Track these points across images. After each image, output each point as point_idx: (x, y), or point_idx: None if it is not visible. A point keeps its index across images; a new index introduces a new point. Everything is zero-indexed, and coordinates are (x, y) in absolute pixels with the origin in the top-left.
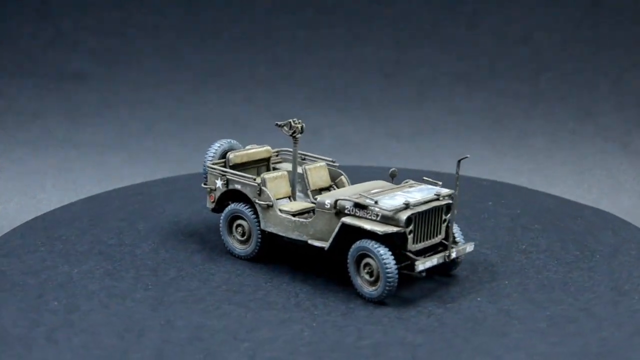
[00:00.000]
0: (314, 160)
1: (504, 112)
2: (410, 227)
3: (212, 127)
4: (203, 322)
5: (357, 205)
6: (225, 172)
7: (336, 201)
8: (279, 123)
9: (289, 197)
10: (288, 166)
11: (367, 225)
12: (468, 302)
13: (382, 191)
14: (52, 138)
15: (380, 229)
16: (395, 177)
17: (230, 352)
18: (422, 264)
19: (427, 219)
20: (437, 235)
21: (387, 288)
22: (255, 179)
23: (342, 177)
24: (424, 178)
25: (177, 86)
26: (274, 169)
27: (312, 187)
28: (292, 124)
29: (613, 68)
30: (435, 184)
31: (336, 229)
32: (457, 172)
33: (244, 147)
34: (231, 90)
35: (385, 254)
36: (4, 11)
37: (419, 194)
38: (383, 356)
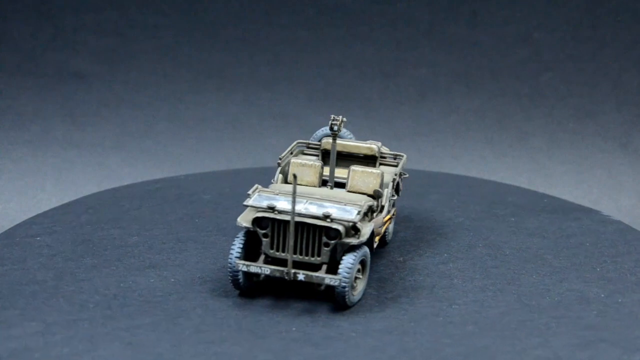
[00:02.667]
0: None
1: (504, 112)
2: (266, 231)
3: (212, 127)
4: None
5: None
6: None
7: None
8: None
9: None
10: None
11: (241, 215)
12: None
13: (315, 195)
14: (52, 138)
15: (240, 219)
16: (380, 198)
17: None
18: (245, 266)
19: (296, 233)
20: (314, 256)
21: (229, 277)
22: (280, 159)
23: (387, 189)
24: (369, 204)
25: (177, 86)
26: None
27: (349, 189)
28: (331, 119)
29: (613, 68)
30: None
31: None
32: (293, 193)
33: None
34: (231, 90)
35: (234, 244)
36: (4, 11)
37: (318, 207)
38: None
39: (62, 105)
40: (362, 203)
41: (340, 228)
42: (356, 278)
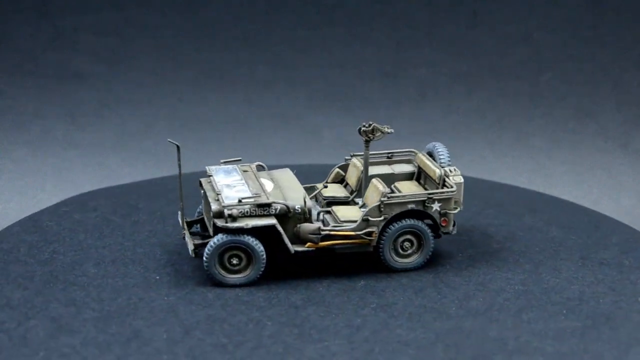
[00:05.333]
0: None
1: (504, 112)
2: (202, 191)
3: (212, 127)
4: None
5: None
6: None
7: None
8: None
9: (350, 189)
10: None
11: None
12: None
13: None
14: (52, 138)
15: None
16: (314, 202)
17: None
18: (179, 218)
19: (207, 202)
20: (210, 227)
21: None
22: (351, 155)
23: (365, 208)
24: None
25: (177, 86)
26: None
27: (364, 200)
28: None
29: (613, 68)
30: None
31: None
32: (178, 160)
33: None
34: (231, 90)
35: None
36: (4, 11)
37: (242, 188)
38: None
39: (62, 105)
40: (269, 198)
41: (214, 207)
42: (233, 263)
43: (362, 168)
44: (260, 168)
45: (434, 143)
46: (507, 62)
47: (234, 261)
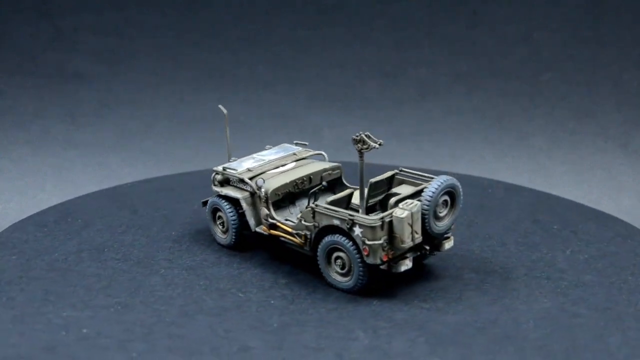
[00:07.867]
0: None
1: (504, 112)
2: None
3: (212, 127)
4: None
5: None
6: None
7: None
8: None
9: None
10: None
11: None
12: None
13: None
14: (52, 138)
15: None
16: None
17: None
18: None
19: None
20: None
21: None
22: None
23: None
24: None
25: (177, 86)
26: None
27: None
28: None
29: (613, 68)
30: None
31: None
32: (225, 127)
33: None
34: (231, 90)
35: None
36: (4, 11)
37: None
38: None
39: (62, 105)
40: (244, 176)
41: (217, 177)
42: (219, 223)
43: (373, 181)
44: (319, 157)
45: (446, 178)
46: (507, 62)
47: (219, 222)
